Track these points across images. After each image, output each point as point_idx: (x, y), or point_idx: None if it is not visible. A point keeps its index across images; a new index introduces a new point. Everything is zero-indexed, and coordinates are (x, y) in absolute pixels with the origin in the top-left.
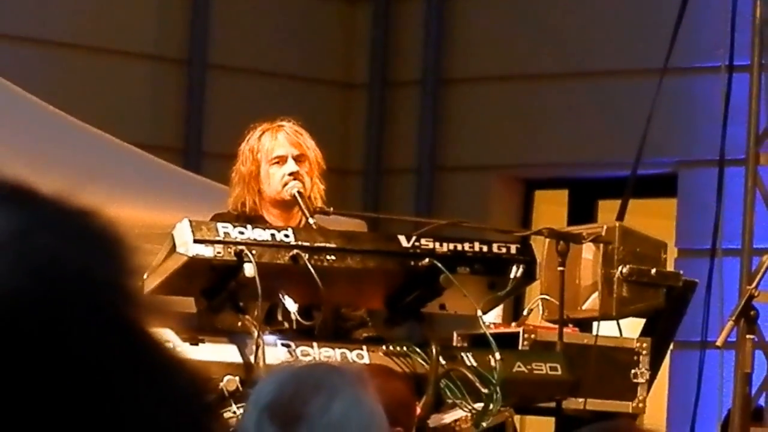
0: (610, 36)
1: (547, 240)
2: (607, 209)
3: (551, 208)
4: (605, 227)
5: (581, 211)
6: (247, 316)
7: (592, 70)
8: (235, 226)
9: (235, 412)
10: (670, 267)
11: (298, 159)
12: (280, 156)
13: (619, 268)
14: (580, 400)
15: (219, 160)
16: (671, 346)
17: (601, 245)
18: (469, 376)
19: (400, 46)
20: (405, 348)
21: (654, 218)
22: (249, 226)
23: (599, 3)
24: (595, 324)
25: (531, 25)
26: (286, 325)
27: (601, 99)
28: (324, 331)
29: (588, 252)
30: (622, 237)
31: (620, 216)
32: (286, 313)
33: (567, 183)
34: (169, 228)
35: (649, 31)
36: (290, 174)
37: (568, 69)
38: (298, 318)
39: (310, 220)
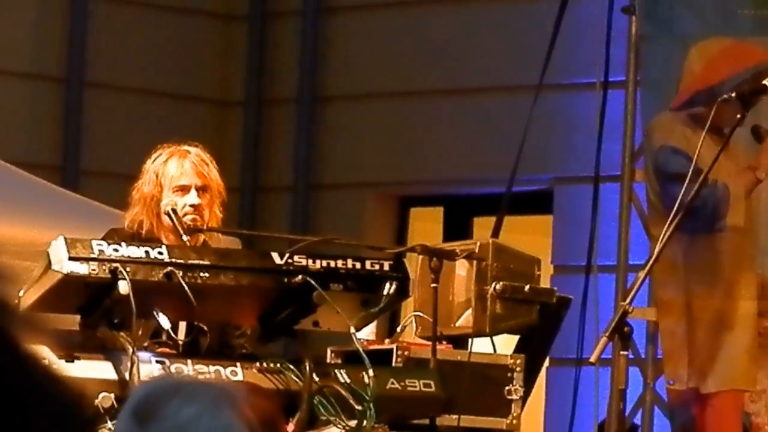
0: (485, 53)
1: (421, 257)
2: (482, 226)
3: (427, 226)
4: (479, 244)
5: (457, 229)
6: (121, 333)
7: (468, 87)
8: (109, 244)
9: (110, 429)
10: (545, 284)
11: (201, 190)
12: (183, 185)
13: (493, 285)
14: (454, 416)
15: (97, 178)
16: (547, 363)
17: (475, 262)
18: (343, 392)
19: (276, 63)
20: (278, 365)
21: (530, 235)
22: (123, 244)
23: (475, 20)
24: (469, 341)
25: (406, 43)
26: (170, 342)
27: (477, 116)
28: (209, 352)
29: (462, 269)
30: (495, 254)
31: (495, 233)
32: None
33: (442, 200)
34: (46, 246)
35: (525, 47)
36: (191, 206)
37: (444, 86)
38: (172, 334)
39: (184, 237)
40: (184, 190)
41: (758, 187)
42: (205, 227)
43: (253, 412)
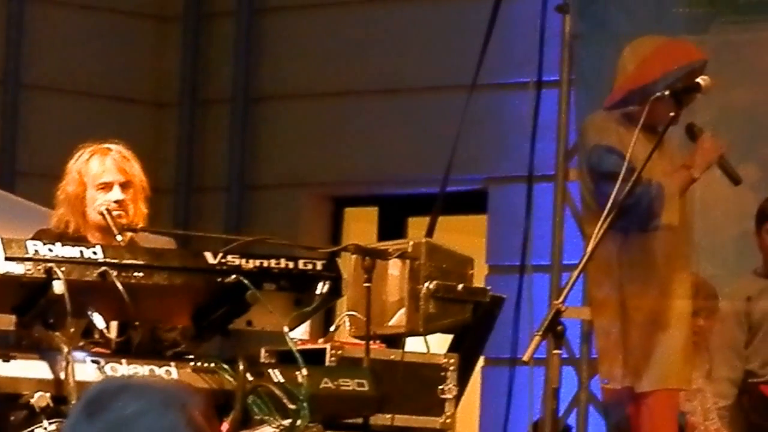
0: (419, 52)
1: (354, 256)
2: (417, 226)
3: (361, 226)
4: (411, 243)
5: (391, 229)
6: (57, 333)
7: (402, 87)
8: (44, 243)
9: (46, 428)
10: (480, 283)
11: (124, 186)
12: (106, 182)
13: (426, 284)
14: (388, 416)
15: (33, 180)
16: (482, 362)
17: (408, 261)
18: (276, 392)
19: (211, 64)
20: (212, 364)
21: (464, 235)
22: (58, 243)
23: (409, 20)
24: (403, 340)
25: (341, 43)
26: (102, 341)
27: (411, 116)
28: (141, 348)
29: (395, 268)
30: (428, 253)
31: (429, 232)
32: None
33: (376, 200)
34: None
35: (459, 47)
36: (115, 202)
37: (378, 86)
38: (106, 333)
39: (118, 237)
40: (107, 187)
41: (693, 186)
42: (131, 223)
43: (203, 417)
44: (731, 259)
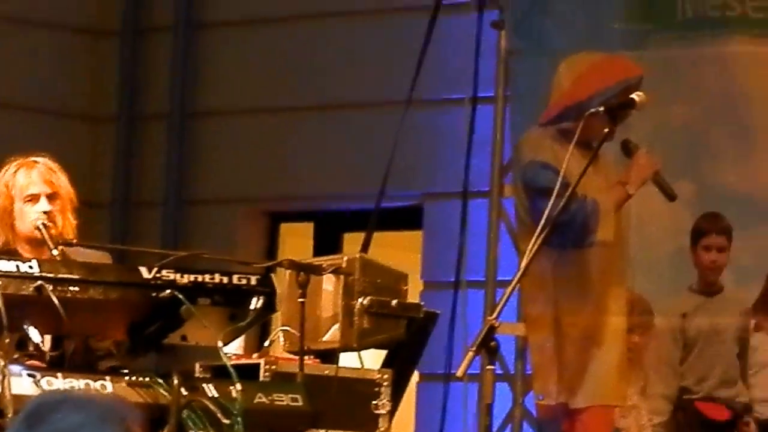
0: (355, 69)
1: (289, 271)
2: (352, 242)
3: (297, 241)
4: (346, 259)
5: (327, 244)
6: None
7: (337, 102)
8: None
9: None
10: (415, 299)
11: (50, 197)
12: (33, 194)
13: (360, 300)
14: (322, 431)
15: None
16: (417, 378)
17: (342, 277)
18: (211, 406)
19: (148, 79)
20: (147, 378)
21: (400, 250)
22: None
23: (345, 36)
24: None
25: (277, 59)
26: (36, 354)
27: (347, 132)
28: (74, 361)
29: (329, 283)
30: (362, 268)
31: (365, 248)
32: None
33: (312, 216)
34: None
35: (395, 63)
36: (43, 212)
37: (314, 102)
38: (41, 347)
39: (54, 252)
40: (34, 199)
41: (628, 202)
42: (63, 236)
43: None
44: (666, 275)
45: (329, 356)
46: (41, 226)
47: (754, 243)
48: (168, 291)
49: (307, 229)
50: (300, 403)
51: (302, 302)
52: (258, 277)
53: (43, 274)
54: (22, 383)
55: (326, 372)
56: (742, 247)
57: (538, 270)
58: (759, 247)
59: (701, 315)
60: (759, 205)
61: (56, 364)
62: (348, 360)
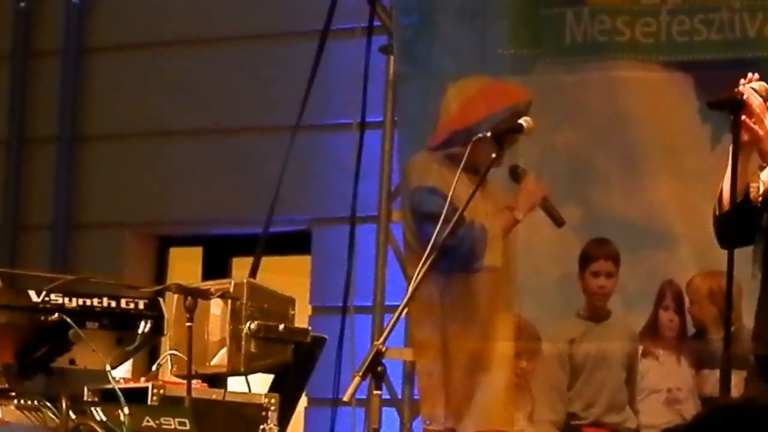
0: (244, 93)
1: (177, 296)
2: (241, 266)
3: (186, 265)
4: (233, 283)
5: (216, 269)
6: None
7: (227, 127)
8: None
9: None
10: (304, 323)
11: None
12: None
13: (247, 324)
14: None
15: None
16: (305, 402)
17: (229, 301)
18: (99, 430)
19: (37, 102)
20: (36, 402)
21: (289, 275)
22: None
23: (235, 60)
24: (225, 379)
25: (165, 83)
26: None
27: (236, 156)
28: None
29: (216, 308)
30: (249, 293)
31: (253, 273)
32: None
33: (201, 240)
34: None
35: (283, 88)
36: None
37: (202, 126)
38: None
39: None
40: None
41: (516, 227)
42: None
43: None
44: (554, 300)
45: (217, 380)
46: None
47: (642, 268)
48: (56, 315)
49: (196, 253)
50: (187, 427)
51: (190, 326)
52: (146, 301)
53: None
54: None
55: (214, 396)
56: (630, 272)
57: (425, 295)
58: (647, 272)
59: (589, 341)
60: (646, 231)
61: None
62: (236, 384)
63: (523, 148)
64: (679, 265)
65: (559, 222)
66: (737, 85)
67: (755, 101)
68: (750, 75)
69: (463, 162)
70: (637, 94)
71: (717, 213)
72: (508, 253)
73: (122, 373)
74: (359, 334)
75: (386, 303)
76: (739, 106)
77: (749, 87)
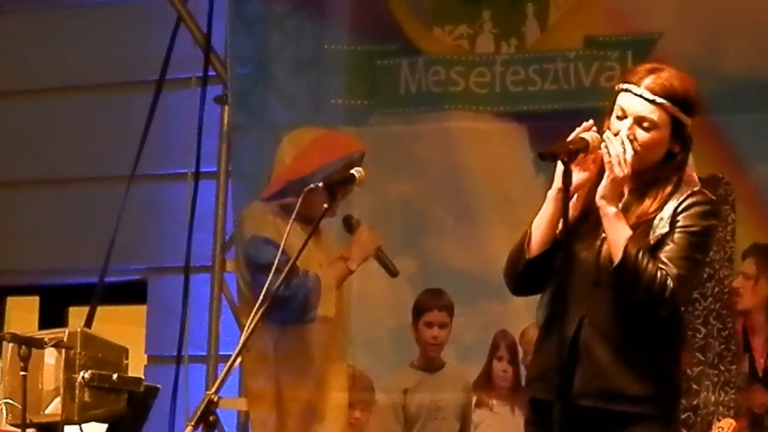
0: (78, 143)
1: (11, 345)
2: (78, 315)
3: (23, 315)
4: (67, 332)
5: (52, 318)
6: None
7: (63, 177)
8: None
9: None
10: (139, 373)
11: None
12: None
13: (81, 373)
14: None
15: None
16: None
17: (63, 350)
18: None
19: None
20: None
21: (125, 325)
22: None
23: (69, 110)
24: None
25: (3, 132)
26: None
27: (72, 206)
28: None
29: (51, 357)
30: (83, 342)
31: (88, 322)
32: None
33: (37, 289)
34: None
35: (119, 137)
36: None
37: (40, 176)
38: None
39: None
40: None
41: (350, 278)
42: None
43: None
44: (388, 351)
45: (52, 429)
46: None
47: (476, 319)
48: None
49: (32, 302)
50: None
51: (24, 375)
52: None
53: None
54: None
55: None
56: (464, 323)
57: (260, 345)
58: (481, 323)
59: (423, 391)
60: (480, 282)
61: None
62: None
63: (358, 199)
64: (513, 316)
65: (392, 272)
66: (570, 135)
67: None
68: (585, 123)
69: (295, 212)
70: (472, 144)
71: (526, 256)
72: (342, 303)
73: None
74: (194, 384)
75: (221, 353)
76: (570, 156)
77: (609, 137)
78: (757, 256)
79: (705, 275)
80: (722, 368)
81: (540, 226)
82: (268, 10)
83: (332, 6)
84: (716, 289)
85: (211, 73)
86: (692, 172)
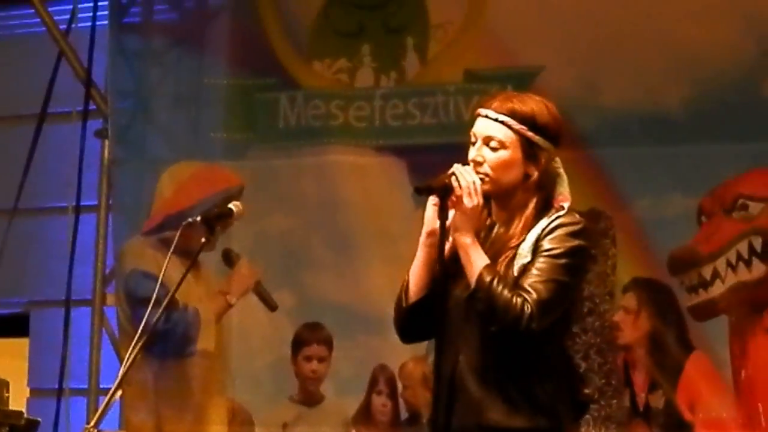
0: None
1: None
2: None
3: None
4: None
5: None
6: None
7: None
8: None
9: None
10: (22, 406)
11: None
12: None
13: None
14: None
15: None
16: None
17: None
18: None
19: None
20: None
21: (7, 358)
22: None
23: None
24: None
25: None
26: None
27: None
28: None
29: None
30: None
31: None
32: None
33: None
34: None
35: (0, 171)
36: None
37: None
38: None
39: None
40: None
41: (230, 312)
42: None
43: None
44: (267, 384)
45: None
46: None
47: (354, 353)
48: None
49: None
50: None
51: None
52: None
53: None
54: None
55: None
56: (343, 357)
57: (140, 378)
58: (360, 357)
59: (302, 425)
60: (359, 315)
61: None
62: None
63: (237, 233)
64: (392, 350)
65: (272, 306)
66: (449, 169)
67: (463, 181)
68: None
69: (173, 246)
70: (351, 178)
71: (404, 304)
72: (221, 337)
73: None
74: (75, 417)
75: (102, 386)
76: (446, 191)
77: (458, 168)
78: (637, 290)
79: (585, 309)
80: (603, 403)
81: (415, 273)
82: (148, 44)
83: (211, 40)
84: (597, 323)
85: (93, 107)
86: (563, 198)
